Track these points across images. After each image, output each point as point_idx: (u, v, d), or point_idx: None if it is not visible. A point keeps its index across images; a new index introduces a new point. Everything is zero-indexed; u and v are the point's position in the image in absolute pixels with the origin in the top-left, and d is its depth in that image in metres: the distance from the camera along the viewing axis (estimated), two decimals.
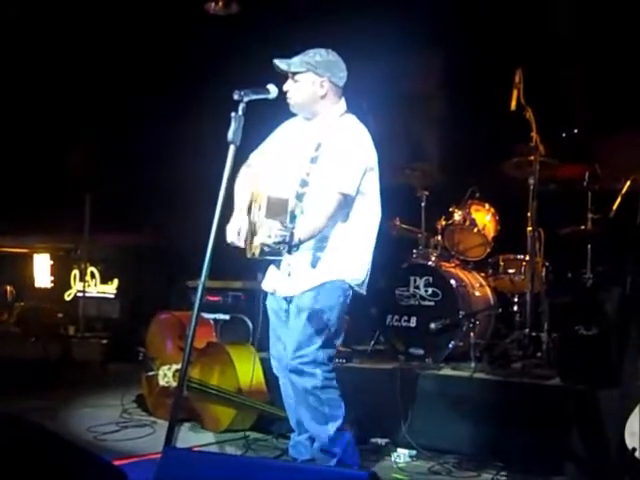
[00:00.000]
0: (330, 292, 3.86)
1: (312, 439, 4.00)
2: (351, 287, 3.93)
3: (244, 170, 4.02)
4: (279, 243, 3.30)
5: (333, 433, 3.88)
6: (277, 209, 3.54)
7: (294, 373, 3.87)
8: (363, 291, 4.00)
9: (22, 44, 7.54)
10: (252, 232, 3.85)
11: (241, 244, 3.86)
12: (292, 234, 3.33)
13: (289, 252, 3.38)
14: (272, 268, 4.03)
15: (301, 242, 3.51)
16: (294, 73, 3.90)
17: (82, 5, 7.32)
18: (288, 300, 3.98)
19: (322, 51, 3.93)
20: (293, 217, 3.61)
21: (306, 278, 3.86)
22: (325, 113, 3.97)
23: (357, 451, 4.06)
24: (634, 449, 3.92)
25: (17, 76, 7.67)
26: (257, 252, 3.68)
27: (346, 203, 3.83)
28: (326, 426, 3.87)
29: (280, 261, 3.86)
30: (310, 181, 3.81)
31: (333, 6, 6.78)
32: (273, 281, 4.04)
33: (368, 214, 3.96)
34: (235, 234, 3.84)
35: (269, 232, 3.35)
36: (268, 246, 3.39)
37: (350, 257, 3.91)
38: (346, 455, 3.93)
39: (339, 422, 3.90)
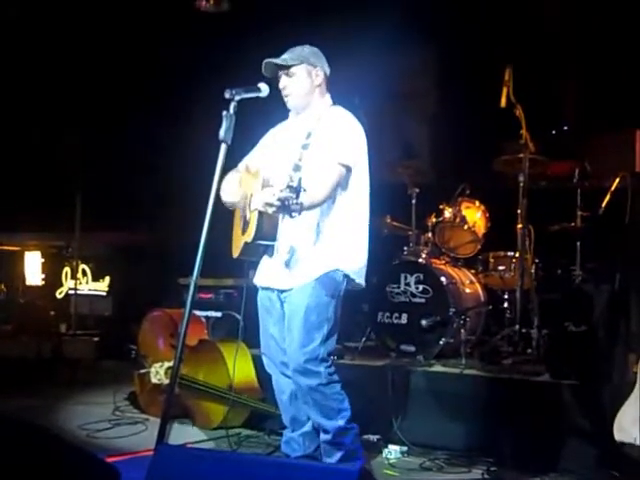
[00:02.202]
0: (325, 286, 3.86)
1: (317, 431, 4.03)
2: (346, 277, 3.93)
3: (231, 174, 4.05)
4: (287, 189, 3.15)
5: (343, 425, 3.92)
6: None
7: (298, 373, 3.87)
8: (362, 282, 4.00)
9: (12, 45, 7.53)
10: (242, 224, 3.87)
11: (236, 198, 3.90)
12: (300, 180, 3.19)
13: (298, 207, 3.17)
14: (265, 261, 4.03)
15: (303, 208, 3.30)
16: (289, 67, 3.95)
17: (75, 6, 7.33)
18: (282, 295, 3.98)
19: (306, 46, 4.03)
20: None
21: (303, 271, 3.87)
22: (315, 105, 4.03)
23: (361, 444, 4.10)
24: (622, 444, 3.96)
25: (9, 75, 7.65)
26: (251, 235, 3.64)
27: (346, 176, 3.86)
28: (336, 420, 3.91)
29: (273, 250, 3.85)
30: (302, 165, 3.84)
31: (325, 3, 6.80)
32: (268, 274, 4.03)
33: (359, 202, 3.99)
34: (228, 190, 3.90)
35: (272, 191, 3.27)
36: (271, 205, 3.22)
37: (346, 246, 3.93)
38: (353, 446, 3.98)
39: (348, 414, 3.94)
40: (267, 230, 3.66)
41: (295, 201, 3.18)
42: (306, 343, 3.84)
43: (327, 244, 3.89)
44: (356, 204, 3.97)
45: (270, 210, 3.34)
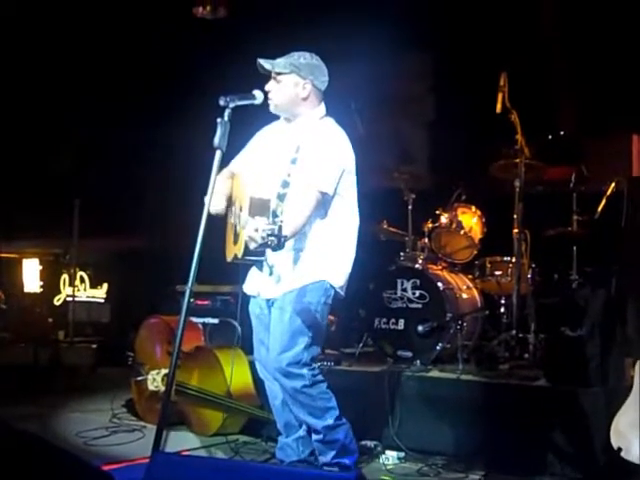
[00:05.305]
0: (313, 293, 3.90)
1: (310, 432, 4.05)
2: (333, 288, 3.96)
3: (223, 171, 4.03)
4: (268, 236, 3.25)
5: (332, 423, 3.94)
6: (259, 209, 3.57)
7: (281, 375, 3.90)
8: (342, 293, 4.04)
9: (7, 48, 7.53)
10: (233, 234, 3.88)
11: (222, 209, 3.90)
12: (280, 227, 3.27)
13: (279, 247, 3.30)
14: (254, 271, 4.07)
15: (286, 239, 3.44)
16: (277, 74, 3.95)
17: (71, 8, 7.34)
18: (270, 302, 4.01)
19: (306, 54, 3.98)
20: (275, 217, 3.63)
21: (289, 279, 3.90)
22: (305, 116, 4.02)
23: (355, 439, 4.10)
24: (619, 449, 3.96)
25: (5, 81, 7.66)
26: (241, 251, 3.68)
27: (324, 202, 3.88)
28: (324, 419, 3.93)
29: (262, 263, 3.88)
30: (291, 182, 3.86)
31: (322, 9, 6.81)
32: (256, 283, 4.08)
33: (347, 216, 4.01)
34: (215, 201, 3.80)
35: (256, 226, 3.33)
36: (255, 241, 3.36)
37: (332, 259, 3.96)
38: (347, 441, 4.00)
39: (336, 412, 3.96)
40: (255, 248, 3.69)
41: (276, 243, 3.28)
42: (290, 347, 3.86)
43: (314, 258, 3.91)
44: (343, 220, 3.99)
45: (252, 245, 3.45)
